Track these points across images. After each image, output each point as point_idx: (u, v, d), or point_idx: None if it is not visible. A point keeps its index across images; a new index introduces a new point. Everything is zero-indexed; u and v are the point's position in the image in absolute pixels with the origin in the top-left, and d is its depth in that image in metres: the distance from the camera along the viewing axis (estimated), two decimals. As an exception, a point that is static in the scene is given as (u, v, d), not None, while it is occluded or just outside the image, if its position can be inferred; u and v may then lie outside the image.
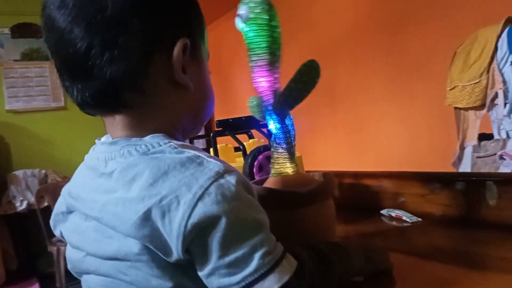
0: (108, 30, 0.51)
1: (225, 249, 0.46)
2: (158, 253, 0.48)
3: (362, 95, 1.25)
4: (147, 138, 0.54)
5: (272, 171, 0.78)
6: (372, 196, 1.15)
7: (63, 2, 0.51)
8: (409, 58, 1.07)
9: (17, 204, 3.56)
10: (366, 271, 0.65)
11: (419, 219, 0.99)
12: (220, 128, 1.03)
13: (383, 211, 1.08)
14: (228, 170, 0.48)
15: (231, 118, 1.02)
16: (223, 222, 0.45)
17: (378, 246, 0.72)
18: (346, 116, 1.32)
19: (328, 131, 1.43)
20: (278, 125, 0.77)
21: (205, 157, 0.50)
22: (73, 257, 0.60)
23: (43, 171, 3.78)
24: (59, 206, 0.63)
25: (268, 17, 0.74)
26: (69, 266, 0.61)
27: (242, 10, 0.75)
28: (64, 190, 0.62)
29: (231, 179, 0.47)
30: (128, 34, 0.51)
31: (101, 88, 0.53)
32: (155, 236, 0.47)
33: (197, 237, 0.46)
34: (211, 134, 1.03)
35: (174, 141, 0.53)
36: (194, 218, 0.45)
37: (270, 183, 0.78)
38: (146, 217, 0.46)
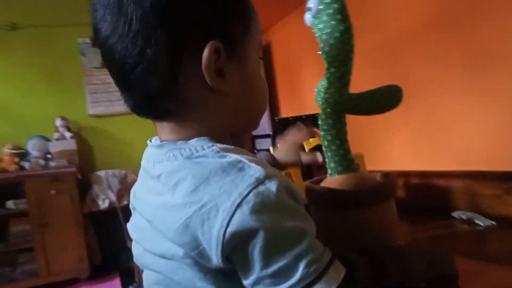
0: (136, 43, 0.50)
1: (267, 260, 0.44)
2: (199, 260, 0.48)
3: (437, 89, 1.17)
4: (192, 142, 0.54)
5: (329, 170, 0.76)
6: (443, 197, 1.08)
7: (104, 17, 0.52)
8: (486, 46, 0.99)
9: (100, 202, 3.79)
10: (428, 277, 0.60)
11: (493, 222, 0.91)
12: (280, 127, 1.02)
13: (455, 213, 1.01)
14: (269, 176, 0.46)
15: (291, 117, 1.01)
16: (261, 233, 0.44)
17: (441, 250, 0.68)
18: (420, 112, 1.25)
19: (401, 128, 1.36)
20: (330, 121, 0.74)
21: (246, 161, 0.48)
22: (135, 251, 0.62)
23: (123, 171, 3.99)
24: (130, 204, 0.65)
25: (338, 6, 0.72)
26: (134, 259, 0.63)
27: (311, 3, 0.74)
28: (132, 190, 0.64)
29: (271, 186, 0.46)
30: (153, 45, 0.50)
31: (141, 99, 0.54)
32: (195, 244, 0.47)
33: (237, 246, 0.45)
34: (271, 134, 1.03)
35: (218, 144, 0.53)
36: (232, 227, 0.44)
37: (326, 182, 0.75)
38: (187, 224, 0.46)
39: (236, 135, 0.63)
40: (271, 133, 1.03)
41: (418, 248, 0.63)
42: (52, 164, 3.71)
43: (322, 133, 0.76)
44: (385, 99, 0.69)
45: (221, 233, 0.44)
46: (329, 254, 0.48)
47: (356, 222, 0.69)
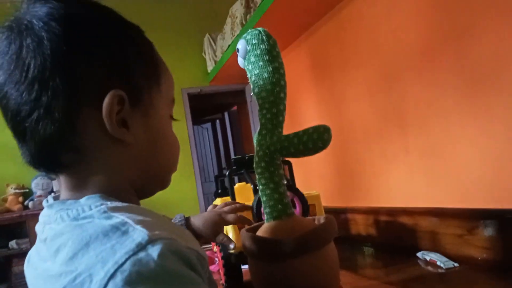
0: (32, 90, 0.49)
1: None
2: None
3: (433, 114, 1.14)
4: (83, 200, 0.50)
5: (266, 216, 0.73)
6: (409, 236, 1.03)
7: (1, 66, 0.51)
8: (481, 68, 0.96)
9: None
10: None
11: (455, 264, 0.86)
12: (235, 167, 0.99)
13: (419, 254, 0.96)
14: (153, 240, 0.42)
15: (247, 155, 0.99)
16: None
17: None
18: (418, 139, 1.21)
19: (400, 156, 1.32)
20: (263, 164, 0.71)
21: (132, 223, 0.44)
22: None
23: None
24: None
25: (266, 47, 0.71)
26: None
27: (239, 44, 0.73)
28: (28, 254, 0.59)
29: (153, 252, 0.41)
30: (50, 92, 0.48)
31: (37, 150, 0.51)
32: None
33: None
34: (227, 173, 1.00)
35: (109, 203, 0.49)
36: None
37: (262, 229, 0.72)
38: None
39: (141, 194, 0.59)
40: (228, 172, 1.00)
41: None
42: (55, 202, 3.73)
43: (256, 176, 0.73)
44: (311, 140, 0.66)
45: None
46: None
47: (286, 273, 0.65)
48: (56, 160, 0.52)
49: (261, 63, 0.70)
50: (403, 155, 1.31)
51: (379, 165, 1.44)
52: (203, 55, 3.73)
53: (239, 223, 0.90)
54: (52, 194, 0.58)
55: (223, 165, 5.73)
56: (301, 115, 2.09)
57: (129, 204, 0.51)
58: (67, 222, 0.49)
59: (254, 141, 0.75)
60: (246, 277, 1.05)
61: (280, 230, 0.69)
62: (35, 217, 3.50)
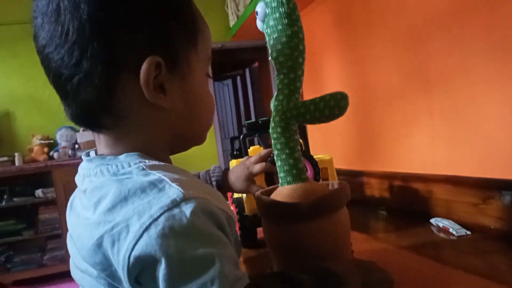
0: (73, 54, 0.49)
1: (171, 287, 0.42)
2: (110, 281, 0.47)
3: (461, 77, 1.11)
4: (121, 157, 0.53)
5: (280, 180, 0.74)
6: (424, 202, 1.04)
7: (42, 26, 0.51)
8: None
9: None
10: None
11: (468, 232, 0.87)
12: (249, 131, 1.00)
13: (433, 220, 0.97)
14: (187, 198, 0.44)
15: (260, 120, 0.99)
16: (165, 260, 0.42)
17: (386, 275, 0.64)
18: (443, 102, 1.19)
19: (423, 119, 1.30)
20: (279, 129, 0.71)
21: (168, 181, 0.47)
22: (71, 264, 0.62)
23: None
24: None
25: (285, 10, 0.69)
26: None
27: (258, 7, 0.72)
28: (70, 199, 0.62)
29: (186, 209, 0.44)
30: (89, 58, 0.49)
31: (78, 111, 0.53)
32: (106, 265, 0.46)
33: (143, 271, 0.43)
34: (241, 137, 1.01)
35: (147, 161, 0.51)
36: (136, 251, 0.43)
37: (276, 193, 0.73)
38: (99, 244, 0.46)
39: (176, 150, 0.62)
40: (241, 136, 1.01)
41: (356, 273, 0.60)
42: (79, 154, 3.83)
43: (272, 141, 0.74)
44: (328, 108, 0.66)
45: (127, 256, 0.43)
46: (242, 284, 0.44)
47: (297, 235, 0.66)
48: (96, 122, 0.54)
49: (280, 26, 0.69)
50: (427, 119, 1.29)
51: (402, 127, 1.42)
52: (225, 9, 3.67)
53: (266, 171, 0.92)
54: (93, 151, 0.61)
55: (243, 122, 5.75)
56: (323, 74, 2.06)
57: (166, 163, 0.53)
58: (107, 176, 0.51)
59: (271, 106, 0.75)
60: (260, 235, 1.08)
61: (293, 194, 0.70)
62: (60, 167, 3.61)
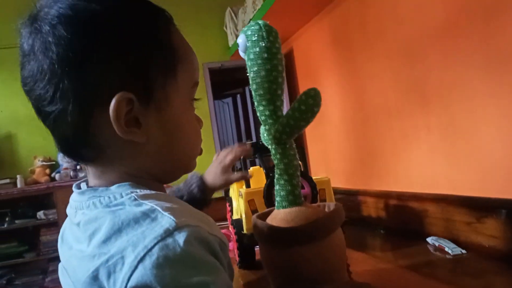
0: (48, 91, 0.51)
1: None
2: None
3: (457, 91, 1.12)
4: (113, 188, 0.53)
5: (276, 203, 0.75)
6: (419, 221, 1.05)
7: (22, 61, 0.54)
8: (508, 48, 0.94)
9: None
10: None
11: (463, 251, 0.87)
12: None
13: (429, 239, 0.98)
14: (179, 227, 0.45)
15: (260, 141, 1.01)
16: None
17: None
18: (440, 117, 1.20)
19: (421, 134, 1.31)
20: (278, 156, 0.74)
21: (160, 210, 0.47)
22: None
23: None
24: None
25: (265, 45, 0.72)
26: None
27: (240, 39, 0.74)
28: (61, 230, 0.63)
29: (179, 238, 0.44)
30: (61, 96, 0.50)
31: (60, 144, 0.55)
32: None
33: None
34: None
35: (138, 191, 0.52)
36: (132, 282, 0.43)
37: (272, 216, 0.75)
38: (95, 276, 0.46)
39: (164, 180, 0.62)
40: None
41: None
42: (81, 175, 3.83)
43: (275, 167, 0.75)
44: (303, 103, 0.67)
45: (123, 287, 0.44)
46: None
47: (293, 259, 0.67)
48: (79, 154, 0.56)
49: (260, 61, 0.70)
50: (425, 134, 1.30)
51: (400, 143, 1.43)
52: (225, 29, 3.71)
53: (237, 158, 0.99)
54: (83, 182, 0.62)
55: (244, 140, 5.76)
56: (321, 91, 2.08)
57: (157, 192, 0.54)
58: (100, 208, 0.52)
59: (262, 137, 0.78)
60: (258, 256, 1.09)
61: (288, 218, 0.71)
62: (61, 189, 3.61)
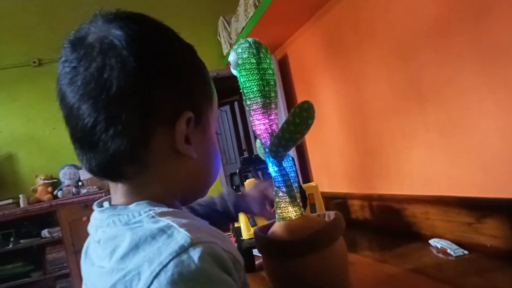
0: (111, 107, 0.52)
1: None
2: None
3: (452, 88, 1.12)
4: (132, 207, 0.55)
5: (276, 215, 0.76)
6: (420, 223, 1.05)
7: (72, 80, 0.54)
8: (500, 43, 0.94)
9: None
10: None
11: (465, 251, 0.88)
12: (244, 165, 1.04)
13: (431, 241, 0.98)
14: (194, 243, 0.46)
15: (254, 154, 1.03)
16: None
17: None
18: (437, 115, 1.20)
19: (419, 133, 1.32)
20: (276, 168, 0.75)
21: (177, 227, 0.49)
22: None
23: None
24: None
25: (256, 61, 0.73)
26: None
27: (231, 57, 0.75)
28: (85, 245, 0.65)
29: (194, 254, 0.45)
30: (130, 110, 0.53)
31: (104, 161, 0.55)
32: None
33: None
34: (237, 171, 1.05)
35: (156, 208, 0.53)
36: None
37: (273, 228, 0.76)
38: None
39: (184, 202, 0.64)
40: (237, 171, 1.05)
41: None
42: (83, 191, 3.84)
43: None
44: (297, 116, 0.68)
45: None
46: None
47: (295, 270, 0.69)
48: (119, 172, 0.57)
49: (252, 77, 0.73)
50: (423, 133, 1.31)
51: (399, 144, 1.44)
52: (218, 38, 3.73)
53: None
54: (105, 201, 0.63)
55: (243, 146, 5.77)
56: (317, 96, 2.09)
57: (175, 209, 0.56)
58: (119, 226, 0.54)
59: (258, 151, 0.79)
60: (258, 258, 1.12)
61: (288, 230, 0.72)
62: (64, 206, 3.62)
